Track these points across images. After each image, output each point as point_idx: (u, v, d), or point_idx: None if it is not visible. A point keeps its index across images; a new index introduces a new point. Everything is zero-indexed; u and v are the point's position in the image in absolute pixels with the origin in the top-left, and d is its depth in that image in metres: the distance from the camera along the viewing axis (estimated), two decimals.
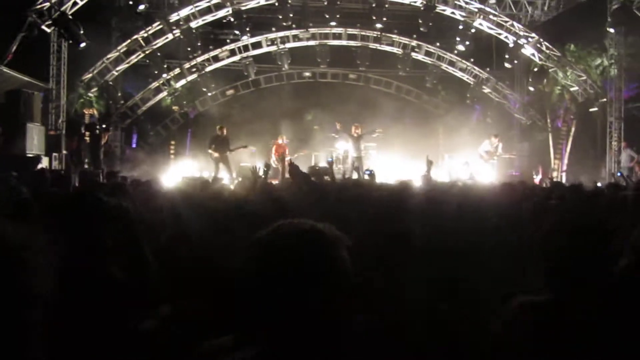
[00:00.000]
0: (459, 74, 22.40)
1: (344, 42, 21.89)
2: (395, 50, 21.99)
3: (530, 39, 19.68)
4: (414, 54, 21.94)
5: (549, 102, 21.42)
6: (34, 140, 16.56)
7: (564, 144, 21.06)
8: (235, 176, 16.62)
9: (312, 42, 21.66)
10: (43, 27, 16.18)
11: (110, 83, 19.76)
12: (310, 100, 23.71)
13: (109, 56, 19.39)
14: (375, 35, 21.55)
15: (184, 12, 19.05)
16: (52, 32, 16.98)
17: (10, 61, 15.45)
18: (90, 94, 19.80)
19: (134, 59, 19.70)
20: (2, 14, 14.67)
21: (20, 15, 15.58)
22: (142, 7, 17.00)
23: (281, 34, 21.23)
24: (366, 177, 11.23)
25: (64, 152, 18.10)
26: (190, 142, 24.03)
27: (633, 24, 16.83)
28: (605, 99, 19.22)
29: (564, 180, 19.36)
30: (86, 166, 18.22)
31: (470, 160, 18.12)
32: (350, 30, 21.63)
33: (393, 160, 19.44)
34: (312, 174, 17.61)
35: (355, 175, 17.70)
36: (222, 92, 23.10)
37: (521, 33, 19.64)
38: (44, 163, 16.66)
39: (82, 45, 16.81)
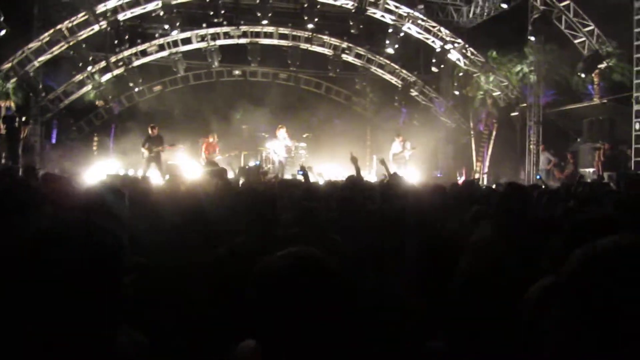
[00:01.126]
0: (387, 76, 22.89)
1: (275, 41, 21.88)
2: (325, 51, 22.21)
3: (456, 45, 20.39)
4: (344, 56, 22.24)
5: (472, 106, 22.25)
6: None
7: (485, 147, 21.90)
8: (164, 175, 16.26)
9: (243, 40, 21.50)
10: None
11: (31, 74, 18.84)
12: (240, 99, 23.51)
13: (30, 46, 18.49)
14: (306, 35, 21.68)
15: (112, 3, 18.44)
16: None
17: None
18: (8, 85, 18.80)
19: (56, 49, 18.85)
20: None
21: None
22: None
23: (212, 30, 20.97)
24: (299, 176, 11.19)
25: None
26: (114, 139, 23.26)
27: (552, 32, 17.82)
28: (524, 104, 20.19)
29: (485, 182, 20.19)
30: (3, 161, 17.33)
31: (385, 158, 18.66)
32: (282, 30, 21.65)
33: (322, 160, 19.60)
34: (242, 174, 17.59)
35: (288, 176, 17.81)
36: (149, 87, 22.55)
37: (447, 38, 20.33)
38: None
39: (1, 33, 15.98)
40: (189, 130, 20.28)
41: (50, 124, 21.85)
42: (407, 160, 18.98)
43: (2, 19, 15.92)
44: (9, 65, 18.27)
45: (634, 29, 15.54)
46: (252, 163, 19.79)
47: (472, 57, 20.65)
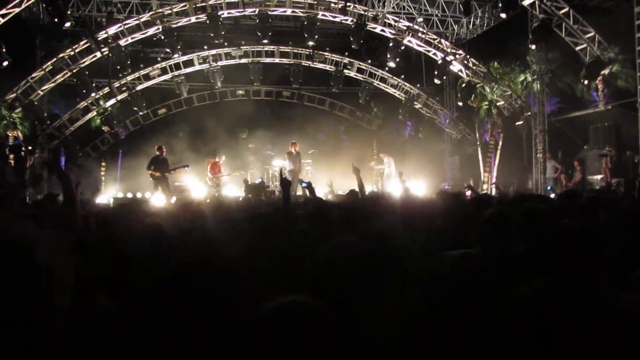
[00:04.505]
0: (390, 90, 22.86)
1: (276, 60, 21.97)
2: (327, 67, 22.24)
3: (457, 56, 20.31)
4: (346, 71, 22.25)
5: (477, 117, 22.13)
6: None
7: (492, 157, 21.72)
8: (171, 196, 16.31)
9: (244, 60, 21.63)
10: None
11: (36, 103, 19.02)
12: (245, 118, 23.59)
13: (33, 75, 18.69)
14: (307, 52, 21.74)
15: (112, 30, 18.60)
16: None
17: None
18: (14, 115, 19.01)
19: (60, 78, 19.04)
20: None
21: None
22: (67, 24, 16.47)
23: (213, 51, 21.10)
24: (303, 188, 11.09)
25: None
26: (122, 163, 23.40)
27: (552, 40, 17.68)
28: (529, 113, 20.01)
29: (493, 192, 20.00)
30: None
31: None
32: (283, 48, 21.75)
33: (329, 175, 19.50)
34: (249, 191, 17.62)
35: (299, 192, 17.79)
36: (154, 111, 22.68)
37: (448, 50, 20.24)
38: None
39: (4, 64, 16.15)
40: (194, 151, 20.35)
41: (58, 151, 22.03)
42: (387, 175, 18.78)
43: (4, 49, 16.09)
44: (14, 95, 18.45)
45: (635, 34, 15.36)
46: (257, 181, 19.83)
47: (474, 67, 20.55)
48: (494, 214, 3.80)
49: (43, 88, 18.99)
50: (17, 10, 16.06)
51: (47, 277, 1.88)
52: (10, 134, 20.37)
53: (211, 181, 18.22)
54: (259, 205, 9.34)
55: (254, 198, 15.37)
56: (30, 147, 18.81)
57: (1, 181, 17.76)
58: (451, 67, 20.50)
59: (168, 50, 20.03)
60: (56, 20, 16.54)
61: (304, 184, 11.39)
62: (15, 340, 1.56)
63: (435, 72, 20.67)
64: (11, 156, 18.82)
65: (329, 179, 9.84)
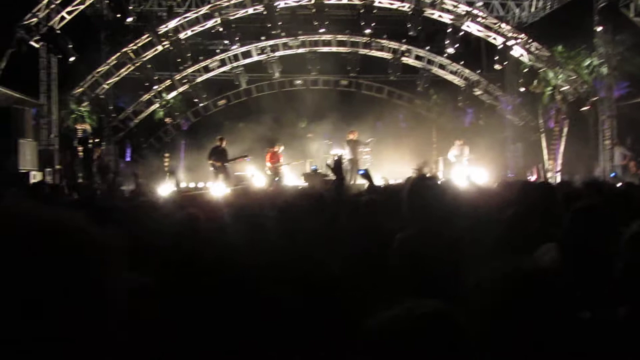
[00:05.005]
0: (450, 77, 22.42)
1: (333, 49, 21.92)
2: (385, 55, 22.01)
3: (519, 40, 19.70)
4: (404, 59, 21.96)
5: (541, 103, 21.38)
6: (26, 156, 16.58)
7: (557, 144, 20.97)
8: (230, 185, 16.66)
9: (302, 50, 21.71)
10: (31, 42, 16.21)
11: (102, 96, 19.74)
12: (304, 108, 23.69)
13: (99, 70, 19.40)
14: (364, 40, 21.58)
15: (172, 23, 19.07)
16: (40, 47, 16.99)
17: (0, 78, 15.48)
18: (81, 109, 19.78)
19: (124, 71, 19.70)
20: None
21: (8, 32, 15.59)
22: (129, 19, 17.02)
23: (271, 42, 21.27)
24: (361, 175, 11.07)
25: (57, 166, 18.13)
26: (185, 153, 23.99)
27: (620, 22, 16.87)
28: (596, 98, 19.20)
29: (558, 180, 19.34)
30: (80, 180, 18.24)
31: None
32: (340, 37, 21.67)
33: (387, 164, 19.43)
34: (307, 179, 17.74)
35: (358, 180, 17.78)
36: (214, 102, 23.12)
37: (509, 34, 19.66)
38: (37, 178, 16.69)
39: (72, 59, 16.83)
40: (254, 141, 20.62)
41: (123, 142, 22.81)
42: (466, 165, 18.44)
43: (71, 45, 16.76)
44: (81, 89, 19.20)
45: None
46: (311, 168, 20.01)
47: (537, 52, 19.86)
48: (586, 206, 3.54)
49: (108, 82, 19.69)
50: (81, 7, 16.70)
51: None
52: (79, 127, 21.22)
53: (270, 170, 18.45)
54: (312, 193, 9.38)
55: (309, 186, 15.50)
56: (97, 140, 19.55)
57: (70, 172, 18.61)
58: (512, 52, 19.91)
59: (226, 42, 20.34)
60: (119, 15, 17.12)
61: (361, 172, 11.33)
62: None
63: (496, 57, 20.15)
64: (79, 148, 19.63)
65: (383, 178, 9.81)
